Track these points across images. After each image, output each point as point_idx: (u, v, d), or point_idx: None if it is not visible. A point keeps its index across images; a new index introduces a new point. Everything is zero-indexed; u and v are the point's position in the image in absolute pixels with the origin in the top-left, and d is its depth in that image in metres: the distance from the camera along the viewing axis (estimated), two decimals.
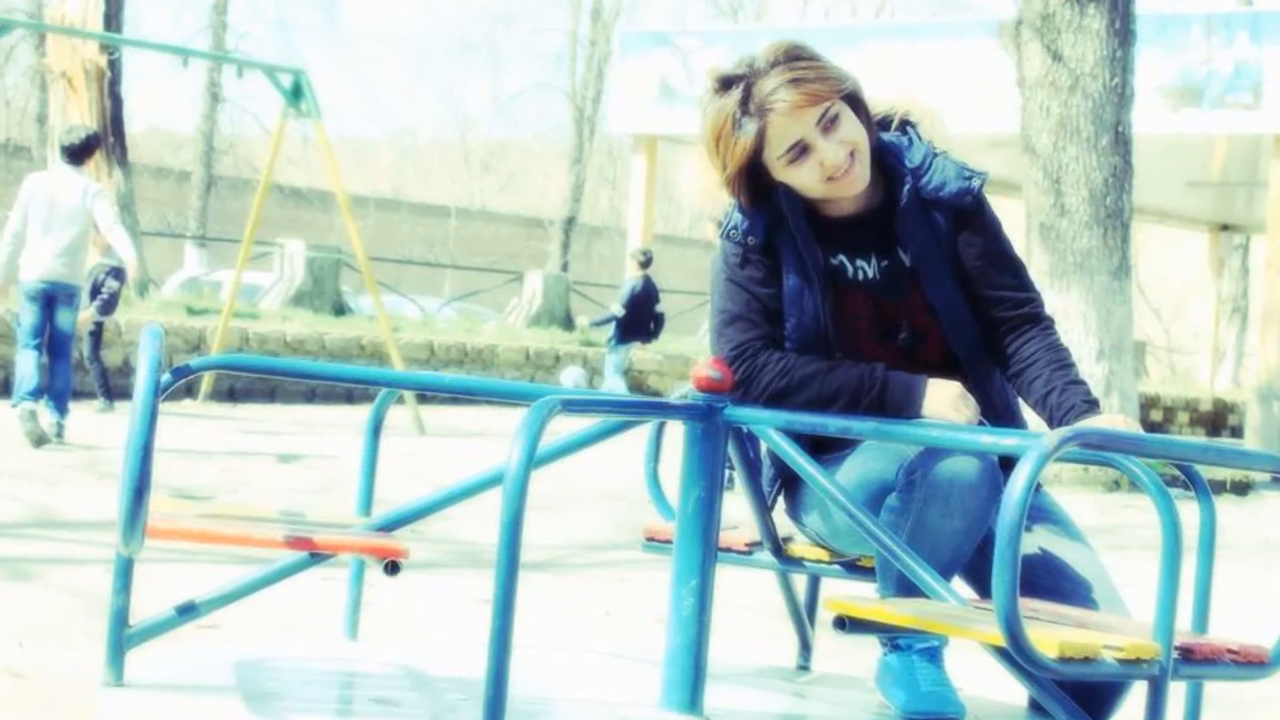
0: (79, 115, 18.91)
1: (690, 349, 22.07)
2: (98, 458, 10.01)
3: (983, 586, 3.09)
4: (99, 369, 13.98)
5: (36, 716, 3.89)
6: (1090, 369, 12.26)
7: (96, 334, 14.02)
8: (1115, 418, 2.93)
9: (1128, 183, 12.61)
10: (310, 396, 17.09)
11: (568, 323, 23.51)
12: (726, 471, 3.07)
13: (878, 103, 3.17)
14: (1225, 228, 28.07)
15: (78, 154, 10.91)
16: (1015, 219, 11.20)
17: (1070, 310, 12.34)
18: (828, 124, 3.00)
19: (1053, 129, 12.49)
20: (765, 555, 3.28)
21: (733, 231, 3.12)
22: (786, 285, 3.10)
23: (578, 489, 9.55)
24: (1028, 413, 3.22)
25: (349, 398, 17.06)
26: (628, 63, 23.84)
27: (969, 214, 3.11)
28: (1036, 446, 2.44)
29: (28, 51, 35.04)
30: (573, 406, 2.80)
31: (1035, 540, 3.11)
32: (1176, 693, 2.70)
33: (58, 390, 10.72)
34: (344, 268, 21.91)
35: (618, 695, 3.19)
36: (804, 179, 3.04)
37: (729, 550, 3.26)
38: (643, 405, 3.25)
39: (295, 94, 14.32)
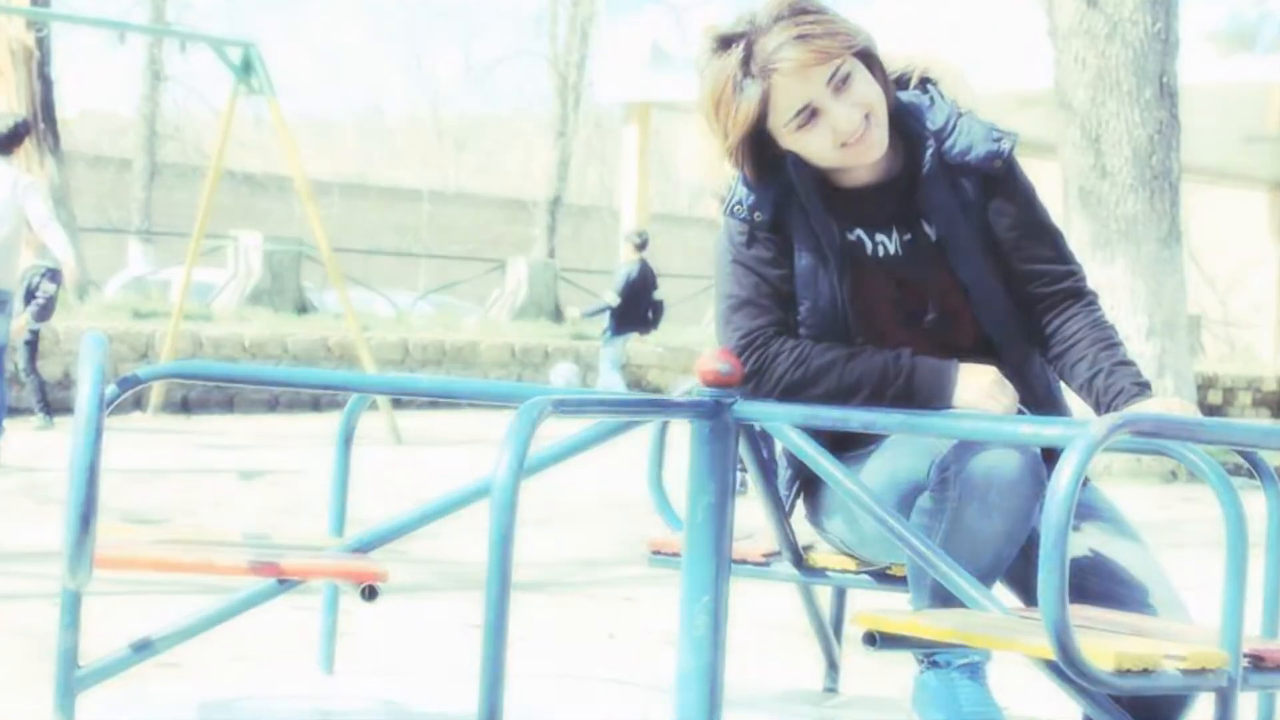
0: (5, 101, 18.92)
1: (694, 339, 22.07)
2: (38, 481, 10.01)
3: (1028, 593, 3.09)
4: (36, 382, 13.98)
5: None
6: (1140, 348, 12.27)
7: (33, 343, 14.02)
8: (1169, 401, 2.94)
9: (1175, 139, 12.61)
10: (273, 405, 17.09)
11: (556, 315, 23.53)
12: (739, 474, 3.07)
13: (894, 59, 3.17)
14: None
15: (6, 144, 10.89)
16: (1051, 183, 11.21)
17: (1116, 283, 12.35)
18: (839, 84, 3.00)
19: (1090, 82, 12.49)
20: (784, 566, 3.29)
21: (737, 207, 3.12)
22: (799, 265, 3.10)
23: (574, 499, 9.56)
24: (1072, 398, 3.23)
25: (315, 405, 17.06)
26: (615, 23, 23.85)
27: (999, 180, 3.11)
28: (1083, 436, 2.44)
29: None
30: (565, 407, 2.80)
31: (1084, 540, 3.11)
32: (1247, 705, 2.70)
33: None
34: (306, 261, 21.91)
35: None
36: (814, 146, 3.04)
37: (744, 562, 3.26)
38: (643, 404, 3.26)
39: (246, 69, 14.32)
